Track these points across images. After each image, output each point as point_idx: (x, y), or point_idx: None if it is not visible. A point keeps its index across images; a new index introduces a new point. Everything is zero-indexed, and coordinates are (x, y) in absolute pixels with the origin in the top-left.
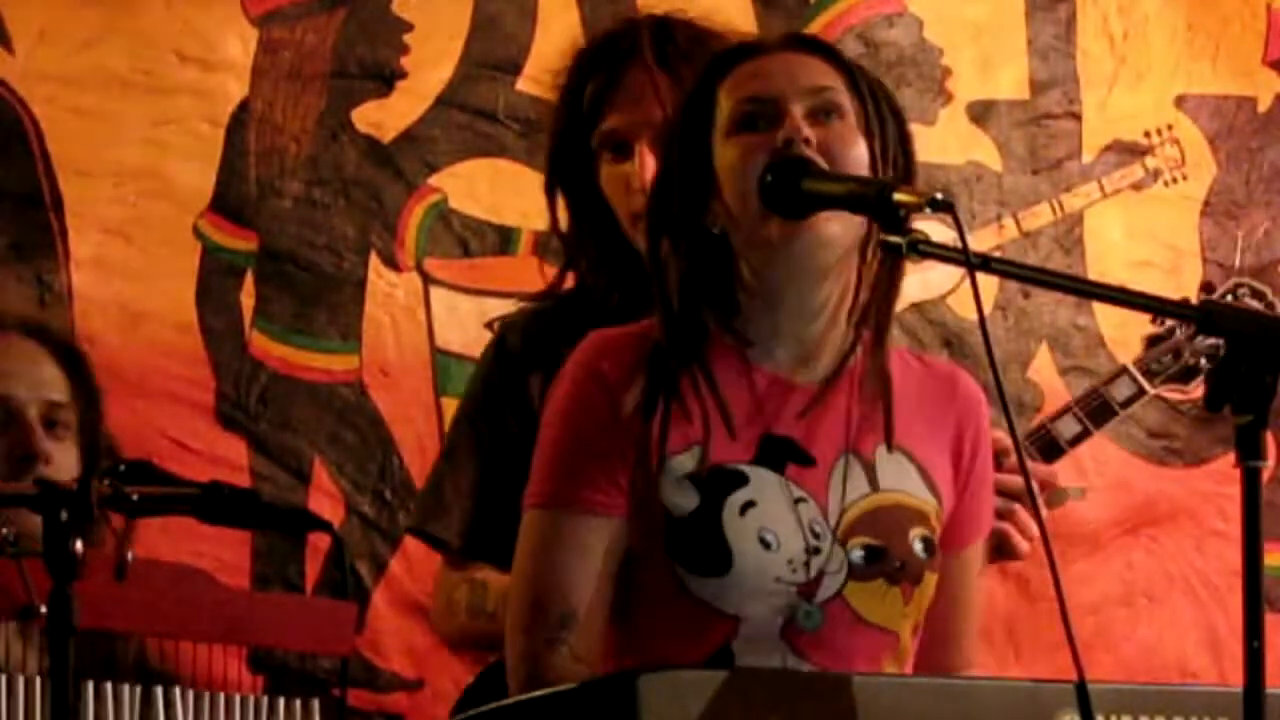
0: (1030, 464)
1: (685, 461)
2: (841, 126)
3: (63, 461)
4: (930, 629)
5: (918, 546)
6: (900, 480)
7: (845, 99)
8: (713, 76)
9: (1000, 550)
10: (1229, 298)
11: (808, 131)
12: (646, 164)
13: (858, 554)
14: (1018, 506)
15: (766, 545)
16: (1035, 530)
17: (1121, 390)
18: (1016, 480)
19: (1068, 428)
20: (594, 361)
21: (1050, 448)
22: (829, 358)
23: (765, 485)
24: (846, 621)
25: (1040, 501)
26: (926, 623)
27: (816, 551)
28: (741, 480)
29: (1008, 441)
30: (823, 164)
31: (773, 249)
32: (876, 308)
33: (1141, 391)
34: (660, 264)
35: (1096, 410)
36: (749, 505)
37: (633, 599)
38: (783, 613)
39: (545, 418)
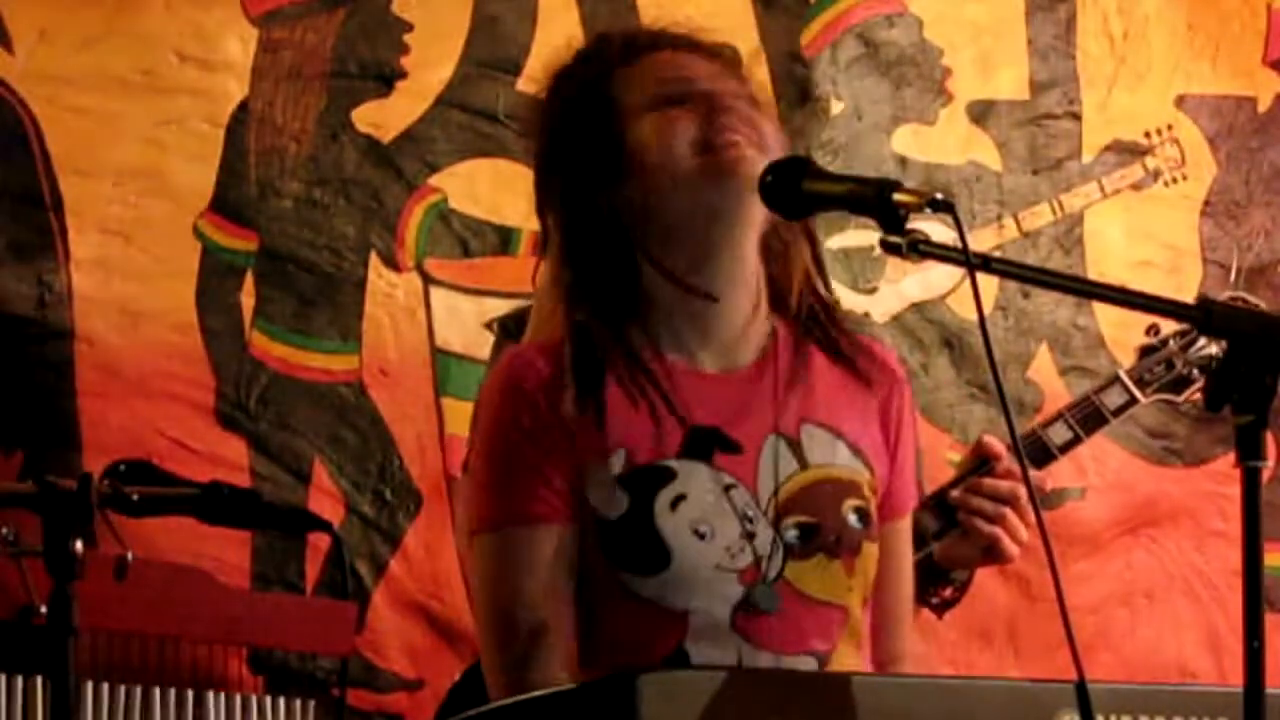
0: (1019, 469)
1: (613, 464)
2: (748, 105)
3: None
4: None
5: (852, 518)
6: (829, 455)
7: (740, 83)
8: (606, 65)
9: (989, 553)
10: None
11: (733, 104)
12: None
13: (792, 533)
14: (1007, 510)
15: (701, 536)
16: (1024, 534)
17: (1114, 398)
18: (1005, 484)
19: (1059, 434)
20: (512, 380)
21: (1041, 453)
22: (746, 342)
23: (693, 477)
24: (793, 601)
25: (1025, 510)
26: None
27: (752, 536)
28: (669, 475)
29: (998, 446)
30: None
31: (702, 185)
32: (793, 285)
33: (1133, 400)
34: (575, 246)
35: (1088, 417)
36: (679, 499)
37: (584, 609)
38: (729, 601)
39: (472, 446)
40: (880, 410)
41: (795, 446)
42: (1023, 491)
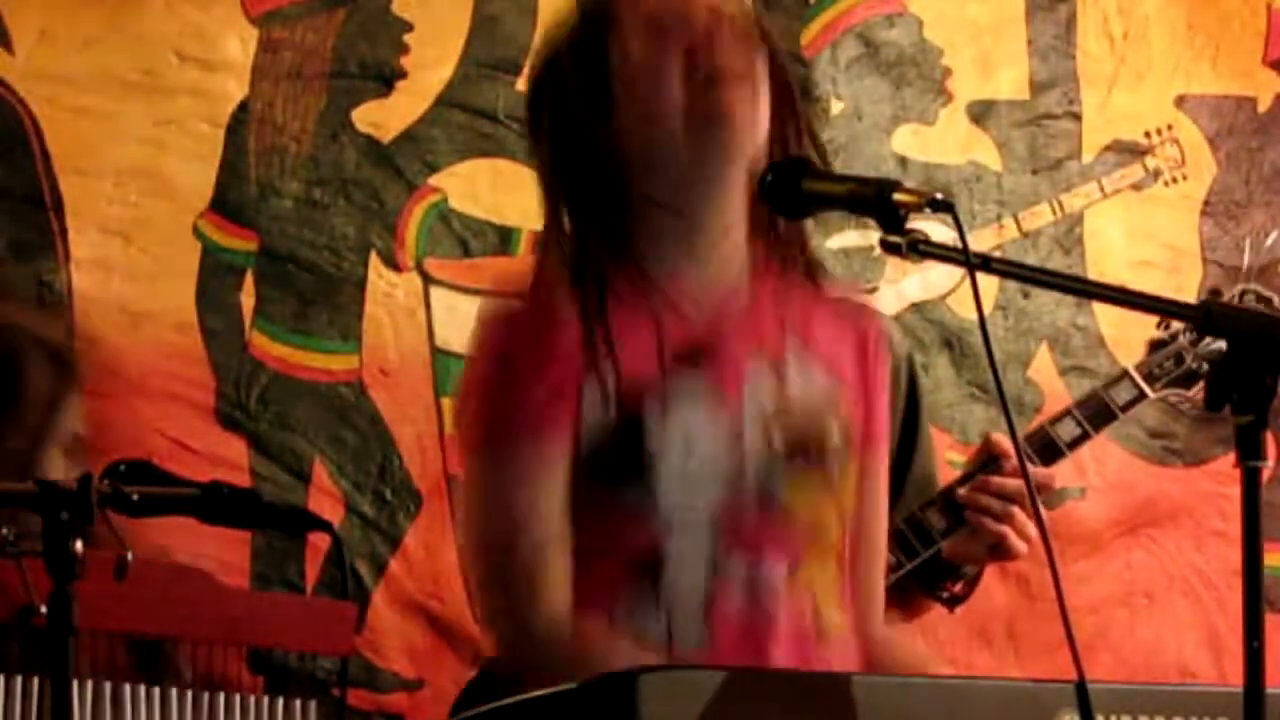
0: (1032, 468)
1: (605, 375)
2: (739, 33)
3: None
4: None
5: (835, 437)
6: (810, 376)
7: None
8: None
9: (997, 551)
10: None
11: (725, 31)
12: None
13: (778, 448)
14: (1015, 509)
15: (690, 452)
16: (1033, 531)
17: (1122, 394)
18: (1013, 482)
19: (1067, 430)
20: (496, 315)
21: (1049, 450)
22: (731, 265)
23: (681, 392)
24: (774, 508)
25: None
26: None
27: (739, 453)
28: (658, 390)
29: (1006, 445)
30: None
31: (693, 126)
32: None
33: (1142, 395)
34: (555, 181)
35: (1096, 413)
36: (667, 413)
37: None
38: (711, 504)
39: (466, 379)
40: (857, 346)
41: (777, 366)
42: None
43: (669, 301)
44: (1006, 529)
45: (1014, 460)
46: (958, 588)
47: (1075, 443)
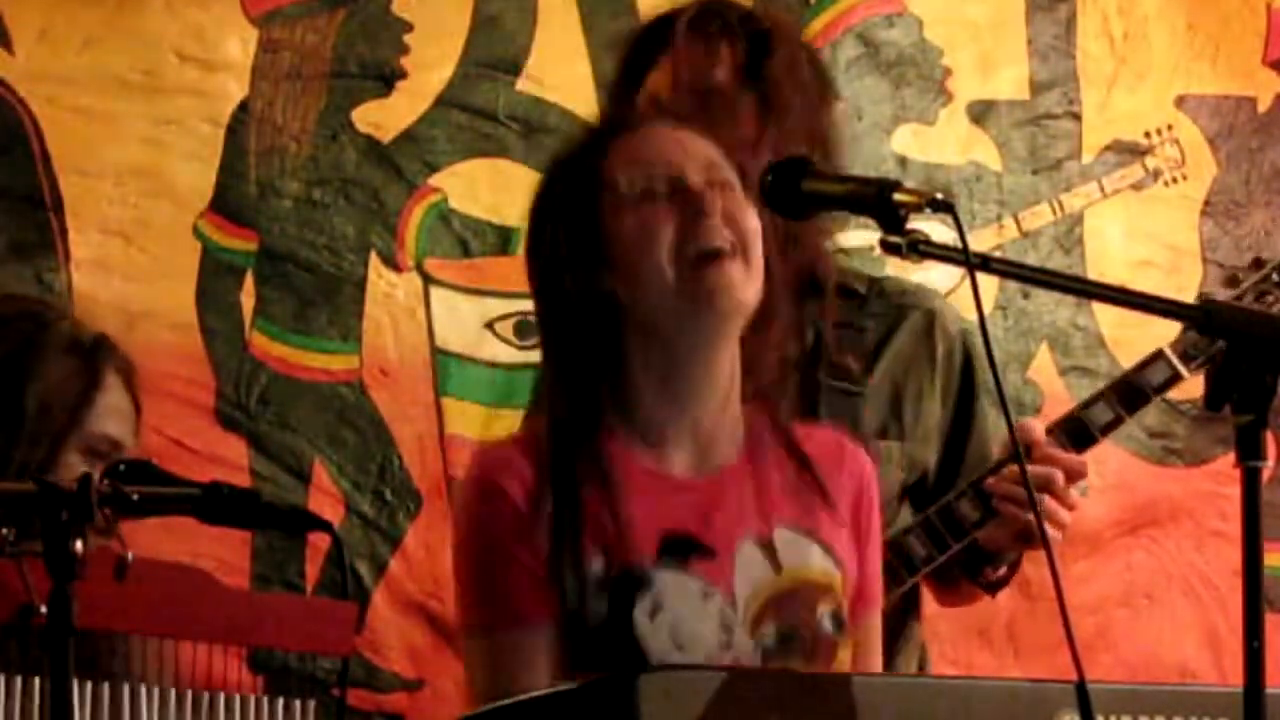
0: (1060, 453)
1: (592, 568)
2: (735, 198)
3: None
4: None
5: (827, 623)
6: (803, 557)
7: (730, 170)
8: (602, 137)
9: (1026, 538)
10: (1269, 281)
11: (717, 204)
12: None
13: (769, 640)
14: (1043, 496)
15: (680, 647)
16: (1065, 517)
17: (1156, 375)
18: (1042, 469)
19: (1100, 414)
20: (488, 478)
21: (1082, 435)
22: (719, 443)
23: (670, 584)
24: None
25: (1064, 494)
26: None
27: (729, 646)
28: (646, 583)
29: (1037, 432)
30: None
31: (681, 306)
32: (771, 382)
33: (1177, 376)
34: (556, 336)
35: (1130, 396)
36: (657, 608)
37: None
38: None
39: (456, 546)
40: (852, 507)
41: (769, 549)
42: (1059, 477)
43: (665, 481)
44: (1033, 517)
45: (1043, 449)
46: (1002, 571)
47: (1108, 427)
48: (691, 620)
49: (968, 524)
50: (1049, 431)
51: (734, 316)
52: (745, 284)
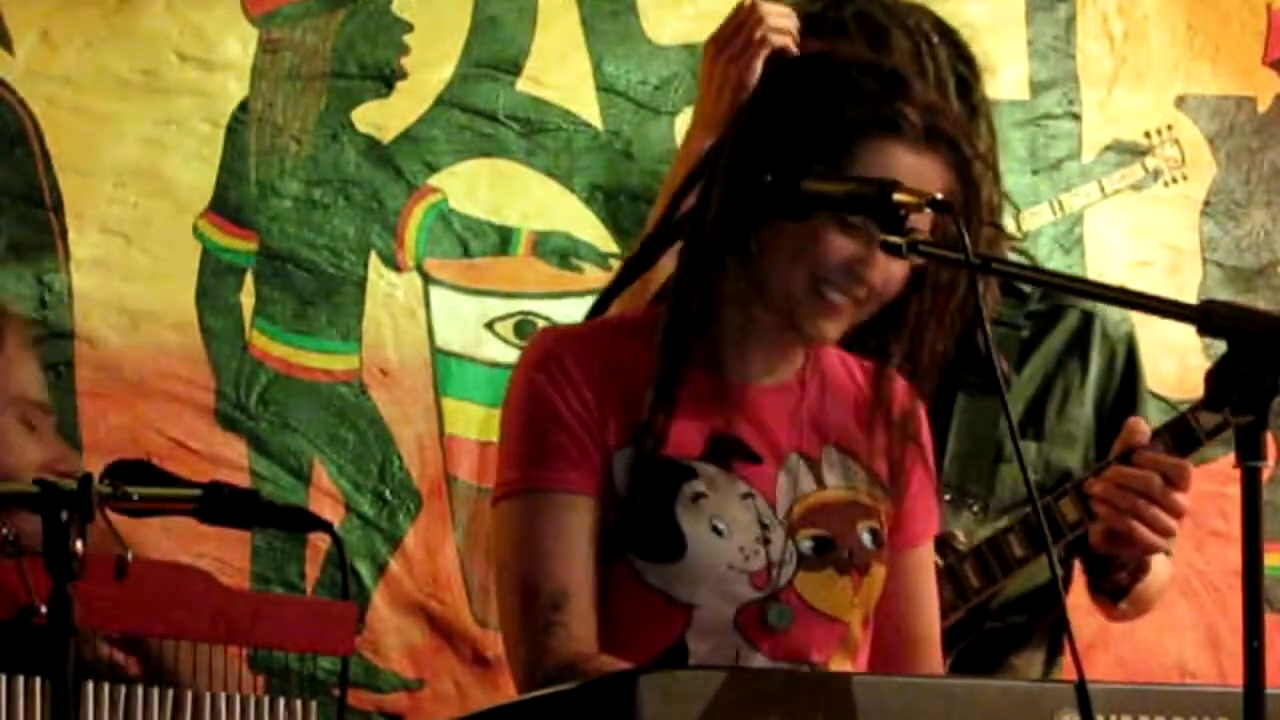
0: (1161, 456)
1: (641, 450)
2: (901, 264)
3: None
4: (895, 634)
5: (865, 537)
6: (847, 477)
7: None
8: (855, 121)
9: (1124, 543)
10: None
11: (879, 275)
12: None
13: (807, 544)
14: (1142, 501)
15: (719, 533)
16: (1167, 522)
17: None
18: (1141, 473)
19: (1209, 419)
20: (553, 352)
21: (1187, 439)
22: (782, 359)
23: (714, 479)
24: (799, 611)
25: (1165, 498)
26: (890, 630)
27: (767, 541)
28: (691, 473)
29: (1142, 434)
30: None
31: (783, 306)
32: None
33: None
34: (699, 249)
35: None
36: (700, 496)
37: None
38: (737, 601)
39: (505, 415)
40: (900, 440)
41: (814, 465)
42: (1156, 480)
43: (720, 387)
44: (1132, 522)
45: (1149, 453)
46: (1121, 576)
47: (1215, 431)
48: (731, 513)
49: (1066, 525)
50: (1155, 434)
51: (814, 343)
52: (842, 327)
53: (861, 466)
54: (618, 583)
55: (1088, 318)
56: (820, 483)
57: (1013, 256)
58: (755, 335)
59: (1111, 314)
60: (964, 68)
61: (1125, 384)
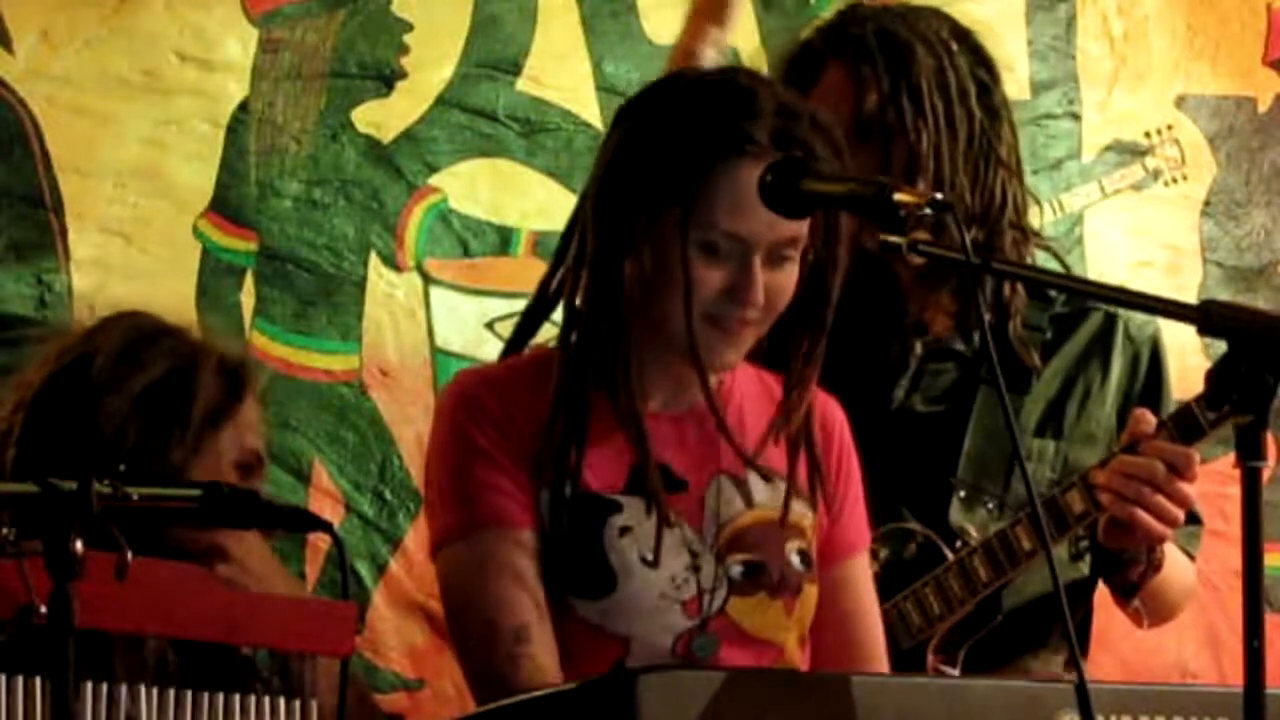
0: (1166, 445)
1: (566, 487)
2: (789, 271)
3: None
4: (838, 645)
5: (795, 559)
6: (774, 496)
7: (803, 238)
8: (703, 148)
9: (1127, 533)
10: None
11: (761, 294)
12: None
13: (737, 569)
14: (1146, 489)
15: (648, 564)
16: (1173, 511)
17: None
18: (1144, 462)
19: None
20: (473, 395)
21: (1192, 429)
22: (698, 385)
23: (640, 511)
24: (732, 636)
25: (1169, 486)
26: (833, 641)
27: (697, 569)
28: (615, 507)
29: (1147, 424)
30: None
31: (683, 339)
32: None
33: None
34: (604, 288)
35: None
36: (626, 529)
37: None
38: (672, 631)
39: (431, 462)
40: (823, 452)
41: (741, 486)
42: (1160, 469)
43: (636, 417)
44: (1136, 511)
45: (1153, 443)
46: (1133, 574)
47: (1219, 421)
48: (661, 552)
49: (1071, 517)
50: (1160, 424)
51: (717, 370)
52: (742, 349)
53: (785, 484)
54: (552, 619)
55: (1111, 319)
56: (749, 502)
57: (1041, 256)
58: (664, 362)
59: (1136, 316)
60: (984, 72)
61: (1150, 384)
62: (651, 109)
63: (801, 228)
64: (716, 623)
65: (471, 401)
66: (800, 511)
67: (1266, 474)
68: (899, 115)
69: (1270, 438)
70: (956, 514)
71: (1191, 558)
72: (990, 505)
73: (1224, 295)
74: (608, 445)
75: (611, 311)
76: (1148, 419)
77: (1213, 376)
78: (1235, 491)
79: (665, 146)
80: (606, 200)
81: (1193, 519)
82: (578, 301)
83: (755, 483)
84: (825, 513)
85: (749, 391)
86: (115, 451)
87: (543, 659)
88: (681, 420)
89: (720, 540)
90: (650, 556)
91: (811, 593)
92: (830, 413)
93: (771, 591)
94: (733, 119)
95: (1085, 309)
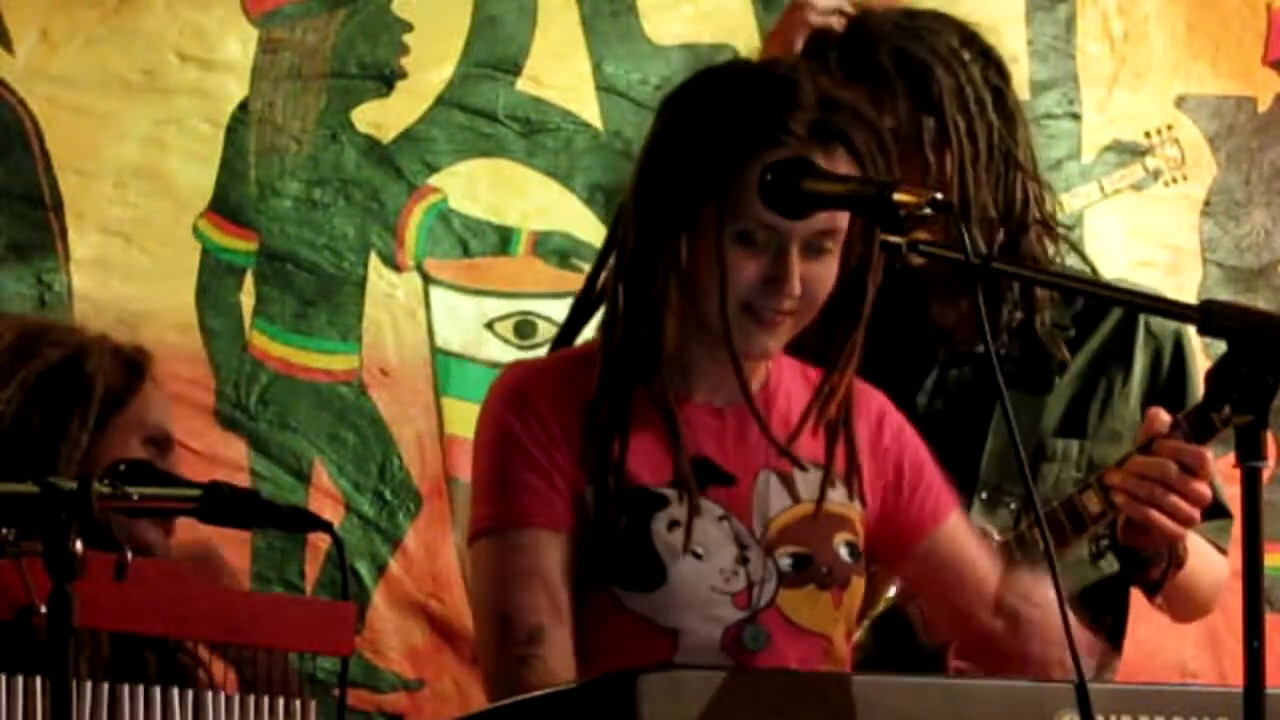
0: (1179, 444)
1: (611, 482)
2: (827, 263)
3: None
4: (955, 600)
5: (843, 551)
6: (820, 490)
7: (842, 230)
8: (739, 141)
9: (1143, 533)
10: None
11: (798, 285)
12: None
13: (786, 561)
14: (1159, 489)
15: (698, 557)
16: (1188, 511)
17: None
18: (1158, 461)
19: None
20: (520, 390)
21: (1204, 427)
22: (757, 382)
23: (687, 505)
24: (781, 628)
25: (1183, 485)
26: (950, 600)
27: (746, 561)
28: (663, 501)
29: (1161, 422)
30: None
31: (721, 330)
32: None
33: None
34: (643, 283)
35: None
36: (674, 524)
37: (577, 620)
38: (721, 623)
39: (476, 450)
40: (870, 441)
41: (788, 481)
42: (1171, 468)
43: (684, 411)
44: (1150, 511)
45: (1170, 442)
46: (1155, 572)
47: (1231, 419)
48: (708, 537)
49: (1089, 517)
50: (1174, 423)
51: (757, 360)
52: (782, 339)
53: (831, 477)
54: (601, 612)
55: (1131, 316)
56: (795, 498)
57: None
58: (709, 355)
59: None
60: (995, 75)
61: (1173, 380)
62: (691, 99)
63: (840, 220)
64: (766, 615)
65: (516, 395)
66: (843, 503)
67: (1266, 474)
68: (920, 139)
69: (1270, 438)
70: (978, 516)
71: (1223, 551)
72: (1012, 506)
73: (1224, 295)
74: (654, 439)
75: (652, 303)
76: (1162, 418)
77: (1213, 377)
78: (1235, 491)
79: (703, 137)
80: (646, 192)
81: (1222, 512)
82: (620, 293)
83: (801, 477)
84: (882, 504)
85: (795, 388)
86: (20, 439)
87: (553, 662)
88: (727, 414)
89: (769, 533)
90: (699, 549)
91: (859, 585)
92: (868, 401)
93: (820, 583)
94: (771, 110)
95: (1105, 306)
